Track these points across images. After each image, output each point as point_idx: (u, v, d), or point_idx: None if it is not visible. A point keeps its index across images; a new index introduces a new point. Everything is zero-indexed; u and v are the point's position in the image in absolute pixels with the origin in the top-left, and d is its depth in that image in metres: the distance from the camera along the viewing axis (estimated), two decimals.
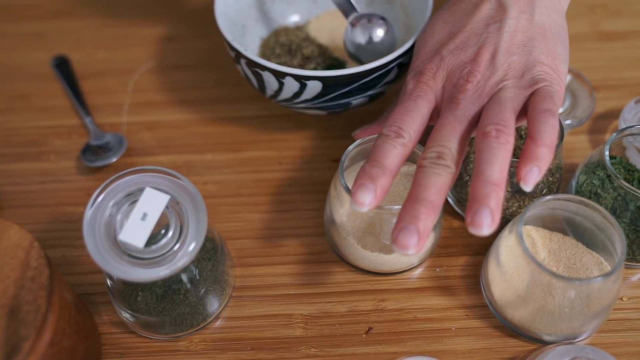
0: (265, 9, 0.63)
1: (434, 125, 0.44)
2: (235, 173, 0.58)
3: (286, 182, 0.57)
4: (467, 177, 0.52)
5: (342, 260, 0.52)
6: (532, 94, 0.44)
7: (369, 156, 0.43)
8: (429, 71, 0.47)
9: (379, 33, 0.55)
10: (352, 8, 0.56)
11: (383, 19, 0.55)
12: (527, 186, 0.40)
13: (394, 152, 0.43)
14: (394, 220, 0.46)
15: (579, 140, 0.59)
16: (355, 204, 0.41)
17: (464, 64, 0.46)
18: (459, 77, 0.45)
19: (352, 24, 0.55)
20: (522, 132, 0.52)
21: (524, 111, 0.44)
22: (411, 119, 0.44)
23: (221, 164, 0.59)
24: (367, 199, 0.41)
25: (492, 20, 0.47)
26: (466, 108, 0.44)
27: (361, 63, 0.56)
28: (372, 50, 0.55)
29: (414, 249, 0.39)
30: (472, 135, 0.44)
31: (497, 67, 0.45)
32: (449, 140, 0.42)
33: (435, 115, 0.47)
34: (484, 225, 0.38)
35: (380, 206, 0.45)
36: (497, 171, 0.40)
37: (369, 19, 0.55)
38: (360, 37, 0.55)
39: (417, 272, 0.51)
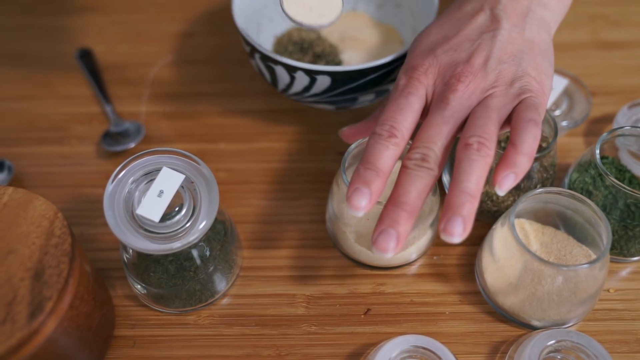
0: (279, 9, 0.66)
1: (421, 124, 0.45)
2: (246, 162, 0.61)
3: (294, 172, 0.60)
4: None
5: (341, 253, 0.54)
6: (518, 103, 0.45)
7: (362, 157, 0.44)
8: (421, 67, 0.47)
9: None
10: None
11: None
12: (501, 190, 0.41)
13: (387, 154, 0.43)
14: None
15: (575, 141, 0.61)
16: (352, 209, 0.42)
17: (456, 64, 0.46)
18: (451, 75, 0.46)
19: None
20: (502, 144, 0.54)
21: (507, 120, 0.45)
22: (403, 117, 0.44)
23: (233, 153, 0.61)
24: (362, 203, 0.42)
25: (486, 29, 0.48)
26: (455, 109, 0.45)
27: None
28: None
29: (392, 252, 0.41)
30: (458, 136, 0.45)
31: (488, 72, 0.46)
32: (434, 143, 0.43)
33: (425, 112, 0.47)
34: (455, 234, 0.39)
35: (379, 202, 0.47)
36: (474, 182, 0.41)
37: None
38: None
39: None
